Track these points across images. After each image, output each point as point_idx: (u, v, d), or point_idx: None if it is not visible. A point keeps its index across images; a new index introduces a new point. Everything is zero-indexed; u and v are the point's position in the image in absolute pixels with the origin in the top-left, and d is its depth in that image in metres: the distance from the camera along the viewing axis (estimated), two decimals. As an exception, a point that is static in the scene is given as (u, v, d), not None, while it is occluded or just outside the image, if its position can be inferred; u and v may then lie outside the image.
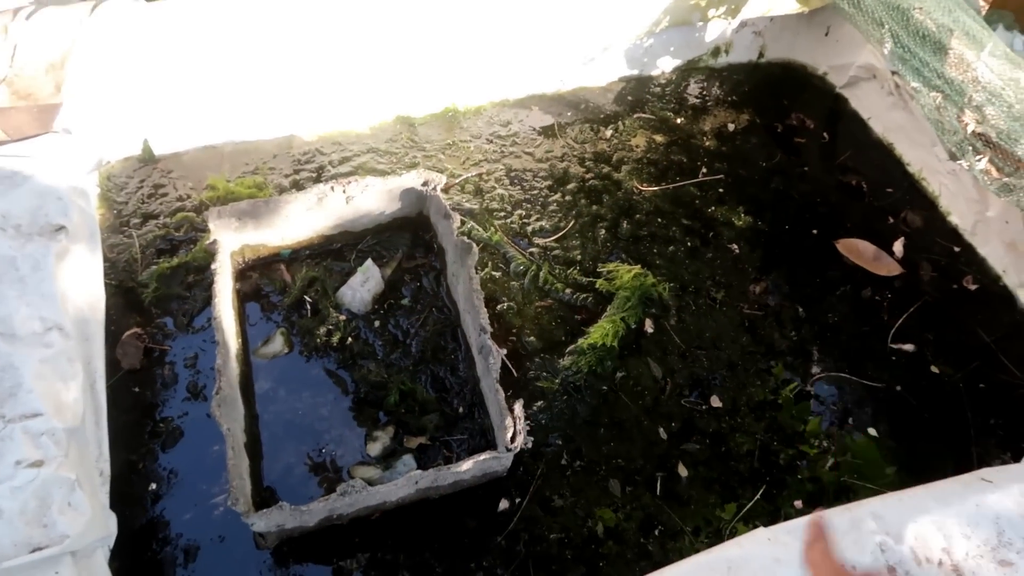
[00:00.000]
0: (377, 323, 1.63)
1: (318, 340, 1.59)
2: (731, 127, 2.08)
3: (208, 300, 1.65)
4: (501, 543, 1.37)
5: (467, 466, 1.30)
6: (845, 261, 1.81)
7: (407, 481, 1.28)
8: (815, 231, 1.87)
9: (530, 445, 1.31)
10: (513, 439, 1.31)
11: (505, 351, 1.46)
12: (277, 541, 1.36)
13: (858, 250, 1.82)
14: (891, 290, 1.77)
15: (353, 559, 1.35)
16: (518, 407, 1.34)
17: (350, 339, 1.59)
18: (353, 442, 1.48)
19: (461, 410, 1.52)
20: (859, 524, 1.15)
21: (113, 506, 1.28)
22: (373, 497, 1.30)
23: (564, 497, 1.43)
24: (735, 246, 1.82)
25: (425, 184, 1.71)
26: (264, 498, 1.40)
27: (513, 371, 1.56)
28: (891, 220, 1.91)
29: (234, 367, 1.46)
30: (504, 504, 1.42)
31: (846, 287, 1.77)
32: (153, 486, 1.40)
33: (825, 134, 2.09)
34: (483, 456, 1.30)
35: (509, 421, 1.33)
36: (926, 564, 1.11)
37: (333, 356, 1.58)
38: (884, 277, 1.79)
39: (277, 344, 1.58)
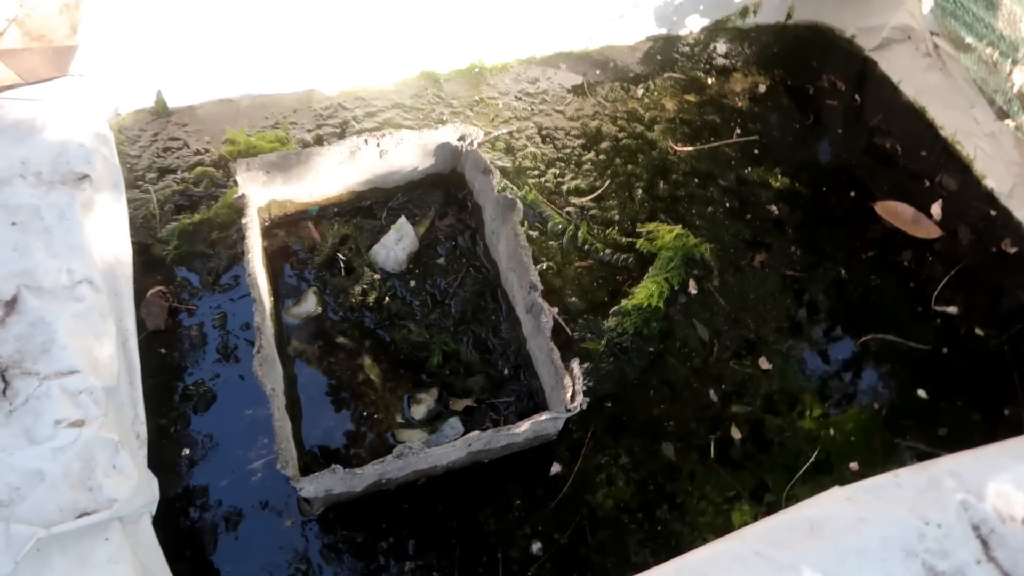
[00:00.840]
0: (413, 283, 1.56)
1: (353, 299, 1.51)
2: (762, 88, 2.04)
3: (234, 258, 1.56)
4: (555, 508, 1.33)
5: (524, 427, 1.25)
6: (884, 223, 1.78)
7: (463, 443, 1.23)
8: (852, 193, 1.84)
9: (585, 406, 1.26)
10: (573, 399, 1.26)
11: (556, 309, 1.41)
12: (323, 507, 1.29)
13: (897, 212, 1.79)
14: (931, 253, 1.74)
15: (402, 525, 1.29)
16: (576, 366, 1.28)
17: (387, 298, 1.52)
18: (395, 405, 1.41)
19: (506, 372, 1.47)
20: (938, 483, 1.12)
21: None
22: (428, 459, 1.24)
23: (616, 460, 1.39)
24: (774, 207, 1.78)
25: (461, 139, 1.63)
26: (306, 463, 1.33)
27: (567, 330, 1.50)
28: (927, 183, 1.88)
29: (270, 326, 1.39)
30: (556, 468, 1.37)
31: (887, 249, 1.74)
32: (187, 451, 1.33)
33: (856, 96, 2.06)
34: (543, 416, 1.25)
35: (568, 380, 1.27)
36: (1010, 522, 1.09)
37: (370, 316, 1.51)
38: (924, 240, 1.76)
39: (310, 304, 1.51)
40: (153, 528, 1.15)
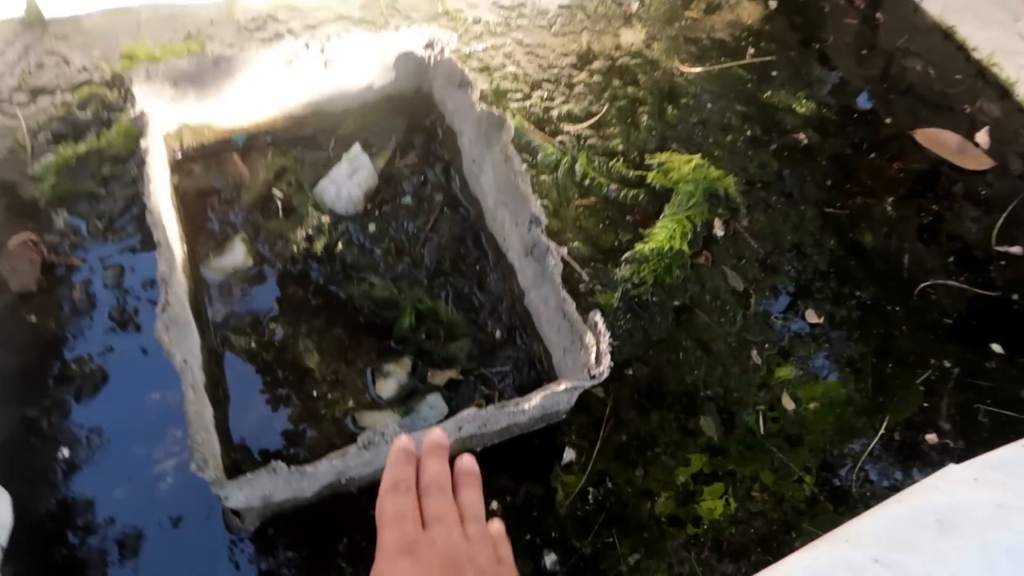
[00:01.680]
0: (373, 227, 1.22)
1: (295, 248, 1.16)
2: (772, 4, 1.75)
3: (134, 199, 1.19)
4: (570, 507, 1.01)
5: (535, 401, 0.93)
6: (927, 153, 1.52)
7: (452, 426, 0.90)
8: (888, 120, 1.57)
9: (608, 371, 0.95)
10: (598, 361, 0.94)
11: (566, 249, 1.08)
12: (259, 521, 0.94)
13: (940, 141, 1.53)
14: (983, 185, 1.48)
15: (369, 540, 0.95)
16: (599, 318, 0.97)
17: (340, 245, 1.18)
18: (355, 381, 1.07)
19: (499, 335, 1.14)
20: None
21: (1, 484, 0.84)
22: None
23: (645, 442, 1.08)
24: (802, 135, 1.50)
25: (429, 46, 1.29)
26: (235, 461, 0.98)
27: (582, 275, 1.18)
28: (967, 109, 1.62)
29: (181, 281, 1.03)
30: (569, 455, 1.05)
31: (933, 183, 1.47)
32: (65, 452, 0.96)
33: (879, 15, 1.79)
34: (560, 386, 0.92)
35: (590, 338, 0.95)
36: None
37: (318, 268, 1.16)
38: (973, 171, 1.50)
39: (237, 254, 1.15)
40: (6, 565, 0.79)
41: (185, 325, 0.97)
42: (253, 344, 1.08)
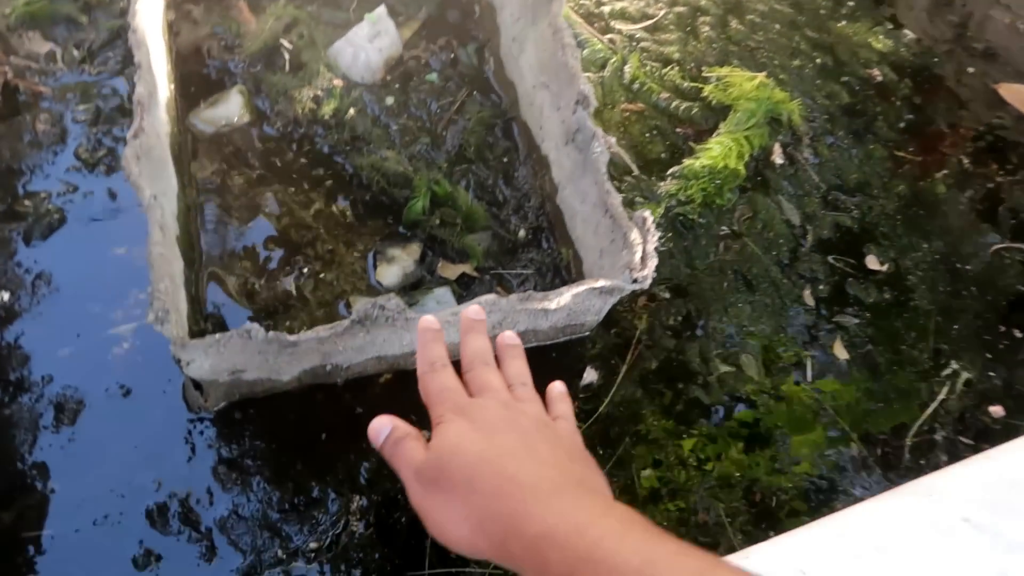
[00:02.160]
0: (391, 100, 1.06)
1: (299, 109, 1.01)
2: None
3: (119, 32, 1.03)
4: (587, 432, 0.87)
5: (567, 298, 0.78)
6: (1011, 110, 1.36)
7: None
8: (971, 69, 1.41)
9: (652, 277, 0.80)
10: (644, 263, 0.79)
11: (615, 139, 0.93)
12: (224, 401, 0.80)
13: (1026, 99, 1.38)
14: (1070, 150, 1.33)
15: (351, 442, 0.81)
16: (649, 216, 0.82)
17: (351, 112, 1.02)
18: (354, 264, 0.92)
19: (522, 234, 0.99)
20: None
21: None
22: (407, 334, 0.76)
23: (677, 372, 0.94)
24: (876, 71, 1.34)
25: (477, -97, 1.13)
26: (204, 331, 0.83)
27: (632, 167, 1.03)
28: (1056, 71, 1.47)
29: (163, 118, 0.87)
30: (591, 376, 0.91)
31: (1016, 140, 1.32)
32: (4, 295, 0.81)
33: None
34: (597, 283, 0.78)
35: (636, 235, 0.81)
36: None
37: (324, 134, 1.00)
38: (1058, 136, 1.35)
39: (232, 106, 0.99)
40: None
41: (160, 163, 0.82)
42: (241, 209, 0.93)
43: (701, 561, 0.38)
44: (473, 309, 0.62)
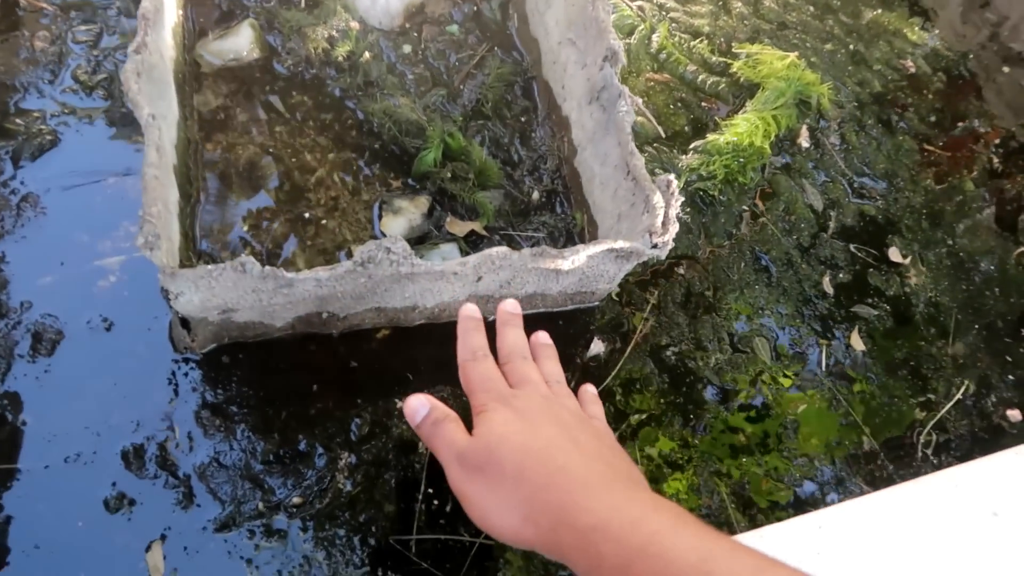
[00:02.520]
0: (408, 47, 1.02)
1: (312, 48, 0.96)
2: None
3: (129, -46, 0.98)
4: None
5: (580, 258, 0.74)
6: (1045, 113, 1.32)
7: (474, 264, 0.71)
8: (1006, 69, 1.37)
9: (671, 244, 0.76)
10: (665, 228, 0.75)
11: (642, 99, 0.89)
12: (213, 343, 0.76)
13: (1060, 103, 1.33)
14: (1099, 161, 1.29)
15: (345, 397, 0.77)
16: (673, 180, 0.78)
17: (366, 55, 0.97)
18: (358, 213, 0.88)
19: (536, 196, 0.95)
20: None
21: None
22: (411, 284, 0.72)
23: (687, 349, 0.90)
24: (910, 62, 1.29)
25: None
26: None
27: (659, 131, 0.99)
28: (1091, 78, 1.42)
29: (169, 42, 0.82)
30: (598, 347, 0.87)
31: (1046, 145, 1.28)
32: (-12, 215, 0.77)
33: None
34: (616, 243, 0.73)
35: (659, 199, 0.76)
36: None
37: (335, 77, 0.96)
38: (1090, 143, 1.31)
39: (242, 40, 0.95)
40: None
41: (162, 85, 0.77)
42: (244, 146, 0.88)
43: (757, 559, 0.38)
44: (510, 302, 0.64)
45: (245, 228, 0.83)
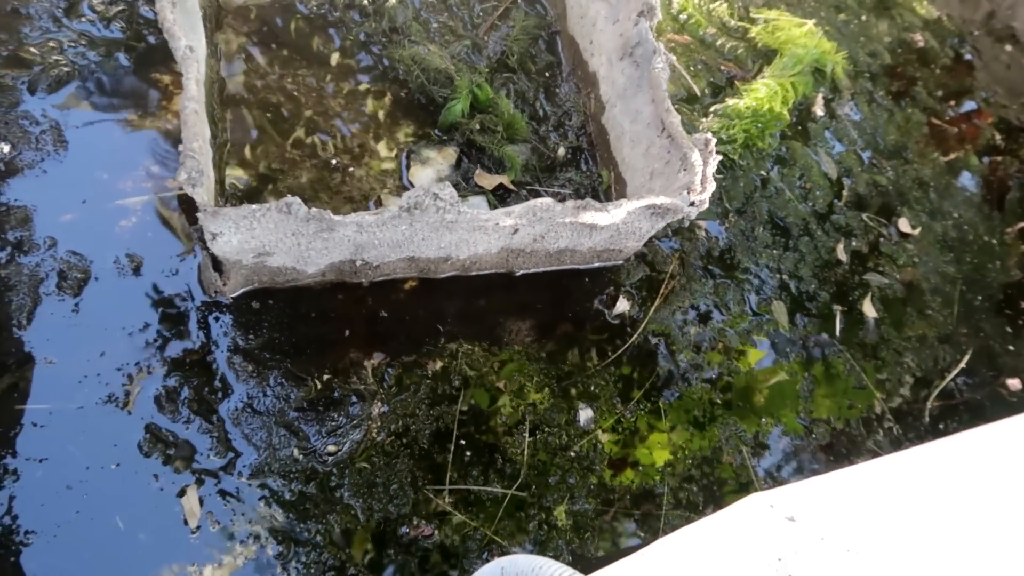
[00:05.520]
0: (432, -4, 0.99)
1: (336, -9, 0.93)
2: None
3: None
4: (614, 364, 0.84)
5: (621, 214, 0.74)
6: (1044, 92, 1.35)
7: (517, 213, 0.70)
8: (1008, 47, 1.39)
9: (707, 203, 0.77)
10: (703, 186, 0.75)
11: (675, 57, 0.88)
12: (243, 287, 0.74)
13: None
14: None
15: (374, 345, 0.76)
16: (711, 136, 0.77)
17: (392, 0, 0.95)
18: (383, 161, 0.86)
19: (561, 151, 0.94)
20: None
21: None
22: (451, 234, 0.71)
23: (708, 310, 0.91)
24: (919, 36, 1.31)
25: None
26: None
27: (694, 87, 0.98)
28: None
29: (194, -26, 0.79)
30: (623, 306, 0.87)
31: (1045, 124, 1.31)
32: (4, 148, 0.74)
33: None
34: (658, 200, 0.73)
35: (697, 157, 0.76)
36: None
37: (360, 21, 0.93)
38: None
39: (264, -21, 0.91)
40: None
41: (194, 16, 0.74)
42: (268, 90, 0.85)
43: None
44: None
45: (269, 173, 0.81)
